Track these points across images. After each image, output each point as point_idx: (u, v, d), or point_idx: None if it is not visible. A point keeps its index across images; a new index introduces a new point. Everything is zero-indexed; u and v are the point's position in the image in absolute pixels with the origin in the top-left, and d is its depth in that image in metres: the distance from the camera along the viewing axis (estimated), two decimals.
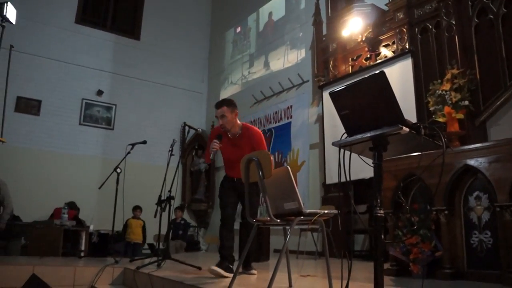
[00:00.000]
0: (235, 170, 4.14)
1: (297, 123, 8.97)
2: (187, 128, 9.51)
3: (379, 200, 2.21)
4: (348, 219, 6.60)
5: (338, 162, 2.42)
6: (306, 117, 8.85)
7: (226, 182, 4.43)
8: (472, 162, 3.74)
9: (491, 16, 6.03)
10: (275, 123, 9.63)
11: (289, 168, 2.94)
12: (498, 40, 5.85)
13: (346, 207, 6.36)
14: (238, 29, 12.07)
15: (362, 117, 2.30)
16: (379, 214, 2.21)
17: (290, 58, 9.89)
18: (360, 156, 2.54)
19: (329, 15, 8.82)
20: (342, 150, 2.46)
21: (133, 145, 5.94)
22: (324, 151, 8.07)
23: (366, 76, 2.27)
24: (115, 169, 5.73)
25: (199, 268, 4.55)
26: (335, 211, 2.95)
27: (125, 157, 5.69)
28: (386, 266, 4.28)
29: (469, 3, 6.31)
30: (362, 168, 2.55)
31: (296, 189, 2.88)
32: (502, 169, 3.50)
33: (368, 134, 2.23)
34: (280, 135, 9.34)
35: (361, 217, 6.44)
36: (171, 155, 5.50)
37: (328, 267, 2.94)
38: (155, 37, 12.14)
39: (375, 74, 2.16)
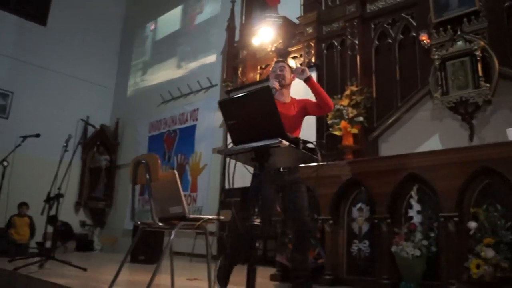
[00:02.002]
0: None
1: (202, 126, 8.96)
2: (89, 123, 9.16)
3: (255, 209, 2.27)
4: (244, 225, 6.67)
5: (223, 170, 2.48)
6: (212, 121, 8.87)
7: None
8: (356, 175, 3.96)
9: (390, 41, 6.44)
10: (181, 124, 9.55)
11: (176, 172, 2.94)
12: (394, 63, 6.27)
13: (242, 212, 6.44)
14: (152, 26, 11.86)
15: (247, 128, 2.36)
16: (255, 223, 2.28)
17: (201, 61, 9.88)
18: (245, 165, 2.60)
19: (243, 22, 8.94)
20: (228, 159, 2.52)
21: (24, 137, 5.61)
22: (225, 156, 8.11)
23: (253, 89, 2.34)
24: (1, 162, 5.38)
25: (84, 270, 4.39)
26: (220, 217, 2.99)
27: (13, 150, 5.36)
28: (273, 271, 4.41)
29: (372, 26, 6.70)
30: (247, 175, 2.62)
31: (182, 194, 2.89)
32: (383, 184, 3.74)
33: (251, 145, 2.29)
34: (184, 137, 9.28)
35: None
36: (65, 150, 5.27)
37: (209, 271, 2.96)
38: (64, 25, 11.46)
39: (261, 88, 2.24)
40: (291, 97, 3.54)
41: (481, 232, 3.28)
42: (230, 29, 9.05)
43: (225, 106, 2.55)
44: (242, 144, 2.41)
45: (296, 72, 3.29)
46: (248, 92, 2.39)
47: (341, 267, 4.07)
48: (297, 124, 3.39)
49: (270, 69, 3.54)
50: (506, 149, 3.37)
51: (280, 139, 2.14)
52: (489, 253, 3.16)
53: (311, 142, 2.28)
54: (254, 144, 2.26)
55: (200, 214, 7.82)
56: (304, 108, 3.46)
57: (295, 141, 2.21)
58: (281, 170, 3.18)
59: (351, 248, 4.07)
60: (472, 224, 3.33)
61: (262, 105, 2.25)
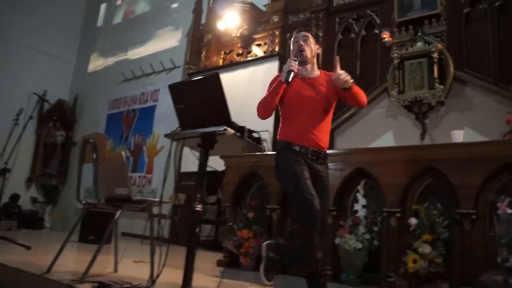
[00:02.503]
0: (312, 136, 2.72)
1: (162, 108, 8.85)
2: (46, 97, 8.90)
3: (198, 195, 2.28)
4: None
5: (169, 153, 2.48)
6: (172, 102, 8.74)
7: (295, 153, 2.71)
8: None
9: (353, 36, 6.53)
10: (141, 104, 9.41)
11: (123, 153, 2.91)
12: (356, 59, 6.37)
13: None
14: (119, 1, 11.57)
15: (196, 114, 2.37)
16: (197, 209, 2.29)
17: (165, 41, 9.73)
18: (192, 150, 2.61)
19: (210, 5, 8.84)
20: (174, 142, 2.51)
21: None
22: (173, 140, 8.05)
23: (203, 76, 2.34)
24: None
25: (28, 248, 4.30)
26: (166, 201, 2.99)
27: None
28: (219, 257, 4.44)
29: (337, 20, 6.77)
30: (216, 160, 2.62)
31: (128, 176, 2.87)
32: (331, 177, 3.80)
33: (198, 131, 2.30)
34: (143, 118, 9.16)
35: (209, 208, 6.62)
36: (16, 124, 5.12)
37: (152, 254, 2.96)
38: None
39: (211, 75, 2.24)
40: (321, 71, 2.96)
41: (420, 228, 3.40)
42: (197, 11, 8.95)
43: (176, 90, 2.54)
44: (189, 129, 2.41)
45: (337, 80, 2.62)
46: (198, 78, 2.38)
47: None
48: (329, 104, 2.82)
49: (292, 40, 2.94)
50: (449, 150, 3.49)
51: (226, 127, 2.16)
52: (426, 249, 3.28)
53: (257, 132, 2.30)
54: (201, 130, 2.27)
55: (155, 196, 7.79)
56: (336, 89, 2.80)
57: (240, 130, 2.23)
58: (312, 156, 2.69)
59: None
60: (413, 221, 3.44)
61: (210, 92, 2.26)
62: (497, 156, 3.28)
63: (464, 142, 3.66)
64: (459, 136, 3.73)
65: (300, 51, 2.83)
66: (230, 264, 4.31)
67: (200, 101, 2.32)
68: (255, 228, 4.23)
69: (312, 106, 2.76)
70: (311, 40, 2.91)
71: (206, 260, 4.65)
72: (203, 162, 2.31)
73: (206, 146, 2.30)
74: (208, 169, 2.56)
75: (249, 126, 6.58)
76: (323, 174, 2.77)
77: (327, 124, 2.83)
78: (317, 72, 2.93)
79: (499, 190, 3.30)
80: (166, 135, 2.50)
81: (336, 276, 3.73)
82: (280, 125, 2.90)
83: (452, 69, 5.34)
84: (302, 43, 2.86)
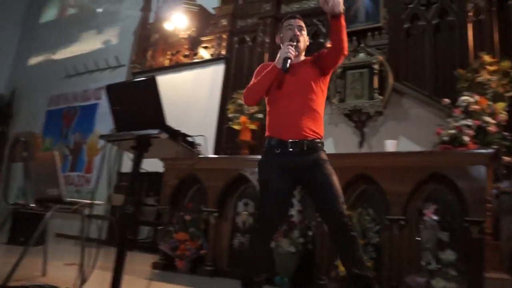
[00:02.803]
0: (293, 124, 2.50)
1: (104, 106, 8.56)
2: None
3: (130, 198, 2.26)
4: (136, 210, 6.59)
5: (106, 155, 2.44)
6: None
7: (272, 154, 2.56)
8: (246, 171, 4.06)
9: None
10: (83, 102, 9.16)
11: (56, 153, 2.84)
12: None
13: (135, 197, 6.40)
14: None
15: (131, 116, 2.34)
16: (127, 211, 2.26)
17: (111, 39, 9.53)
18: (127, 152, 2.57)
19: (159, 4, 8.75)
20: (109, 144, 2.48)
21: None
22: (107, 142, 7.89)
23: (140, 79, 2.33)
24: None
25: None
26: (98, 203, 2.94)
27: None
28: (155, 260, 4.40)
29: None
30: (156, 161, 2.59)
31: (60, 176, 2.79)
32: None
33: (133, 133, 2.28)
34: (85, 116, 8.91)
35: (149, 209, 6.56)
36: None
37: (82, 256, 2.90)
38: None
39: (147, 78, 2.23)
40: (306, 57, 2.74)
41: None
42: (145, 10, 8.84)
43: (112, 91, 2.50)
44: (125, 131, 2.39)
45: (326, 2, 2.34)
46: (134, 80, 2.37)
47: (223, 259, 4.16)
48: (315, 84, 2.57)
49: (284, 26, 2.69)
50: (383, 159, 3.63)
51: (160, 130, 2.15)
52: None
53: (191, 136, 2.31)
54: (135, 133, 2.25)
55: (93, 197, 7.59)
56: (318, 59, 2.63)
57: (175, 134, 2.23)
58: (292, 149, 2.45)
59: (233, 241, 4.17)
60: None
61: (146, 95, 2.24)
62: (426, 166, 3.45)
63: (396, 152, 3.82)
64: (391, 145, 3.89)
65: (296, 41, 2.56)
66: (166, 266, 4.28)
67: (136, 103, 2.30)
68: (191, 230, 4.23)
69: (293, 90, 2.54)
70: (304, 30, 2.73)
71: (142, 263, 4.59)
72: (136, 165, 2.28)
73: (140, 149, 2.28)
74: (151, 170, 2.55)
75: (193, 127, 6.58)
76: (311, 165, 2.47)
77: (314, 108, 2.55)
78: (302, 58, 2.72)
79: (426, 198, 3.46)
80: (101, 137, 2.46)
81: (270, 279, 3.78)
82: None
83: (391, 81, 5.54)
84: (298, 33, 2.64)
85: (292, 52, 2.44)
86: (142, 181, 6.83)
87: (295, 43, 2.51)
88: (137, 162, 2.29)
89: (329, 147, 5.80)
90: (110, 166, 2.45)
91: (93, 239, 2.96)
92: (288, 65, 2.41)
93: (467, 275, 3.13)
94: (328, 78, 2.69)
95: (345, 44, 2.50)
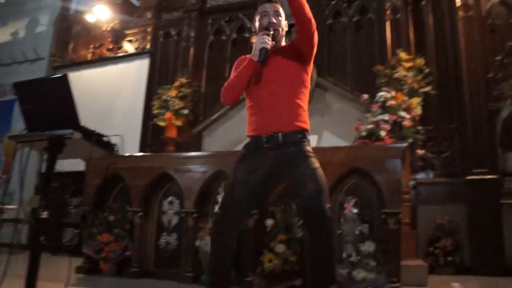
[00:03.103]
0: (270, 117, 2.32)
1: None
2: None
3: (44, 202, 2.15)
4: (59, 212, 6.33)
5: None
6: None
7: (249, 152, 2.38)
8: (170, 169, 4.00)
9: (224, 38, 6.63)
10: None
11: None
12: (226, 61, 6.46)
13: (59, 199, 6.18)
14: None
15: (43, 116, 2.23)
16: (42, 216, 2.16)
17: (29, 29, 9.00)
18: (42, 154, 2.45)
19: None
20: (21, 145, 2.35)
21: None
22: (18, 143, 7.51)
23: (51, 76, 2.23)
24: None
25: None
26: (8, 207, 2.78)
27: None
28: (78, 263, 4.25)
29: (210, 21, 6.83)
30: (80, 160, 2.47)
31: None
32: (191, 179, 3.84)
33: (45, 134, 2.18)
34: (1, 112, 8.38)
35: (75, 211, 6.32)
36: None
37: None
38: None
39: (58, 76, 2.14)
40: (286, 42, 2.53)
41: (276, 229, 3.56)
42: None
43: (22, 89, 2.37)
44: (36, 131, 2.27)
45: None
46: (45, 78, 2.26)
47: (149, 260, 4.08)
48: (294, 72, 2.39)
49: (259, 13, 2.45)
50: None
51: (72, 131, 2.07)
52: (281, 248, 3.44)
53: (106, 136, 2.24)
54: (48, 133, 2.15)
55: (11, 199, 7.19)
56: (294, 46, 2.42)
57: (89, 134, 2.15)
58: (268, 144, 2.26)
59: (159, 240, 4.11)
60: (269, 222, 3.59)
61: (59, 94, 2.14)
62: (346, 161, 3.55)
63: (316, 147, 3.89)
64: (313, 141, 3.96)
65: (272, 29, 2.33)
66: (90, 270, 4.13)
67: (48, 102, 2.19)
68: (116, 231, 4.11)
69: (272, 82, 2.35)
70: (282, 15, 2.46)
71: (66, 267, 4.39)
72: (50, 166, 2.17)
73: (53, 150, 2.18)
74: (78, 169, 2.44)
75: (118, 123, 6.39)
76: (289, 159, 2.28)
77: (294, 100, 2.36)
78: (283, 43, 2.49)
79: (347, 192, 3.57)
80: (10, 137, 2.32)
81: (197, 277, 3.76)
82: None
83: (314, 76, 5.65)
84: (274, 19, 2.39)
85: (268, 42, 2.23)
86: (64, 181, 6.55)
87: (271, 32, 2.30)
88: (50, 164, 2.18)
89: None
90: (21, 167, 2.31)
91: (7, 244, 2.80)
92: (265, 56, 2.22)
93: (386, 265, 3.26)
94: (310, 65, 2.48)
95: (308, 15, 2.25)
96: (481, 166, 4.84)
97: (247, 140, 2.48)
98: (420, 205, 4.99)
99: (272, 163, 2.30)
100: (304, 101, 2.41)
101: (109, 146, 2.23)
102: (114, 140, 2.28)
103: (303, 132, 2.35)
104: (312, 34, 2.33)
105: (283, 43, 2.50)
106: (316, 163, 2.28)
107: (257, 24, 2.47)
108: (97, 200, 4.30)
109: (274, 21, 2.39)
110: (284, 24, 2.47)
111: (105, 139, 2.22)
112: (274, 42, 2.32)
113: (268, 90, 2.34)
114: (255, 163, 2.31)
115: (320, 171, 2.25)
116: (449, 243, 4.65)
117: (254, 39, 2.37)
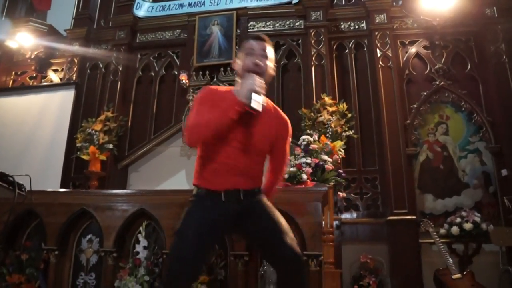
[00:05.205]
0: (243, 174, 2.12)
1: None
2: None
3: None
4: None
5: None
6: None
7: (202, 207, 2.13)
8: (90, 206, 3.85)
9: (153, 74, 6.61)
10: None
11: None
12: (153, 97, 6.45)
13: None
14: None
15: None
16: None
17: None
18: None
19: (2, 18, 8.07)
20: None
21: None
22: None
23: None
24: None
25: None
26: None
27: None
28: None
29: (139, 56, 6.79)
30: None
31: None
32: (112, 217, 3.72)
33: None
34: None
35: None
36: None
37: None
38: None
39: None
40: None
41: None
42: None
43: None
44: None
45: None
46: None
47: None
48: (269, 148, 2.25)
49: (245, 48, 2.18)
50: None
51: None
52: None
53: (11, 176, 2.13)
54: None
55: None
56: (277, 128, 2.24)
57: None
58: (226, 199, 2.07)
59: (77, 280, 3.90)
60: None
61: None
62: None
63: None
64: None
65: (260, 72, 2.07)
66: None
67: None
68: (28, 271, 3.86)
69: (248, 146, 2.10)
70: (272, 57, 2.19)
71: None
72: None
73: None
74: None
75: (39, 155, 6.08)
76: (248, 208, 2.13)
77: (261, 168, 2.24)
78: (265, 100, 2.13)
79: None
80: None
81: None
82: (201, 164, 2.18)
83: None
84: (260, 62, 2.11)
85: (262, 87, 1.98)
86: None
87: (261, 76, 2.05)
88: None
89: (182, 179, 5.82)
90: None
91: None
92: (260, 104, 1.93)
93: None
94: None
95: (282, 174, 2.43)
96: (401, 207, 5.08)
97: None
98: (344, 244, 5.13)
99: (229, 217, 2.12)
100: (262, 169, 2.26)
101: (14, 186, 2.11)
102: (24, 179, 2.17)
103: (259, 188, 2.22)
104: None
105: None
106: (270, 205, 2.20)
107: (239, 62, 2.19)
108: (8, 237, 4.03)
109: (260, 63, 2.11)
110: (271, 69, 2.18)
111: (10, 178, 2.10)
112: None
113: (241, 154, 2.10)
114: (214, 222, 2.10)
115: (278, 213, 2.19)
116: (372, 281, 4.79)
117: (239, 79, 2.12)
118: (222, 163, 2.08)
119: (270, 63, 2.15)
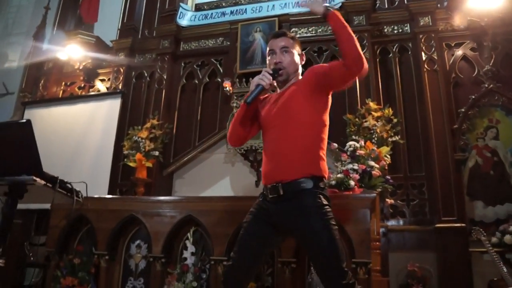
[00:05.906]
0: (272, 164, 2.17)
1: None
2: None
3: (1, 249, 2.07)
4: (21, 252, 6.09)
5: None
6: None
7: (259, 204, 2.25)
8: (138, 212, 3.93)
9: (196, 81, 6.70)
10: None
11: None
12: (197, 104, 6.54)
13: (22, 238, 5.97)
14: None
15: (4, 160, 2.17)
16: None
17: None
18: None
19: (54, 32, 8.38)
20: None
21: None
22: None
23: (14, 121, 2.20)
24: None
25: None
26: None
27: None
28: None
29: (182, 64, 6.90)
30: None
31: None
32: (160, 223, 3.78)
33: (5, 179, 2.12)
34: None
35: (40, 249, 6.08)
36: None
37: None
38: None
39: (22, 122, 2.11)
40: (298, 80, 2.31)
41: None
42: (38, 36, 8.39)
43: None
44: None
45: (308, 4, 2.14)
46: (7, 122, 2.22)
47: None
48: (305, 113, 2.16)
49: (267, 50, 2.35)
50: None
51: (35, 178, 2.02)
52: None
53: (69, 183, 2.19)
54: (8, 178, 2.09)
55: None
56: (314, 79, 2.18)
57: (52, 181, 2.10)
58: (271, 196, 2.07)
59: (126, 285, 4.00)
60: None
61: (21, 139, 2.10)
62: None
63: None
64: None
65: (278, 69, 2.21)
66: None
67: (9, 147, 2.14)
68: (80, 275, 3.97)
69: (275, 124, 2.17)
70: (292, 48, 2.30)
71: None
72: (9, 213, 2.10)
73: (14, 195, 2.12)
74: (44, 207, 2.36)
75: (87, 162, 6.25)
76: (295, 214, 2.05)
77: (301, 142, 2.13)
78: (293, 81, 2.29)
79: None
80: None
81: None
82: None
83: None
84: (278, 59, 2.26)
85: (266, 80, 2.09)
86: (30, 218, 6.34)
87: (275, 75, 2.18)
88: (10, 210, 2.11)
89: (226, 186, 5.86)
90: None
91: None
92: (254, 95, 2.08)
93: None
94: (328, 99, 2.24)
95: (356, 53, 2.00)
96: (449, 214, 4.94)
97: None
98: (391, 252, 5.02)
99: (277, 220, 2.11)
100: (315, 142, 2.16)
101: (72, 193, 2.18)
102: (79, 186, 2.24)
103: (310, 180, 2.08)
104: (352, 74, 2.09)
105: (300, 77, 2.31)
106: (325, 218, 2.05)
107: (268, 61, 2.37)
108: (62, 241, 4.17)
109: (278, 60, 2.25)
110: (296, 58, 2.30)
111: (68, 185, 2.17)
112: (273, 82, 2.18)
113: (272, 134, 2.18)
114: (265, 221, 2.14)
115: (331, 229, 2.05)
116: None
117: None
118: (265, 155, 2.28)
119: (290, 56, 2.28)
